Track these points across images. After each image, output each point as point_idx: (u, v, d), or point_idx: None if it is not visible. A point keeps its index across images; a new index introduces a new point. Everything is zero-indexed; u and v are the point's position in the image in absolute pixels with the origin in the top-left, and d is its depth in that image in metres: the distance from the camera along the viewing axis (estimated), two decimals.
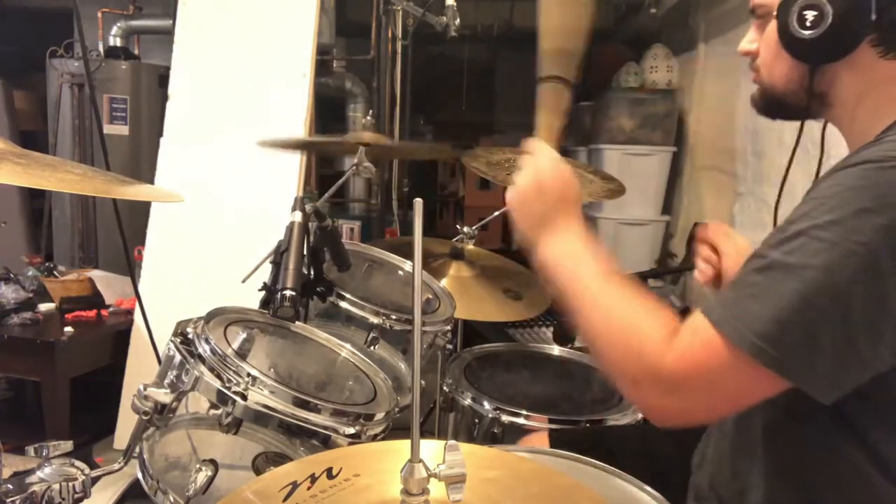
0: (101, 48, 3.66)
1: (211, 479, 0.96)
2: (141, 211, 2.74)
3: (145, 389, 0.97)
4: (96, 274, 2.77)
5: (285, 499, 0.60)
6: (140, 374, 2.55)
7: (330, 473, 0.63)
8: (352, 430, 1.02)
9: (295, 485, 0.62)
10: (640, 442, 1.17)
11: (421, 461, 0.57)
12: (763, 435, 0.87)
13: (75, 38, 3.35)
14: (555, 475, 0.70)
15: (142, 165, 3.46)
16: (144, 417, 0.97)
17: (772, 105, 0.97)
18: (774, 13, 0.89)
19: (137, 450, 1.02)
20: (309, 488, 0.62)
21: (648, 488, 0.97)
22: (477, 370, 1.67)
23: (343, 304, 1.35)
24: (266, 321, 1.22)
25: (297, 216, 1.24)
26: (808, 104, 0.90)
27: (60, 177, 0.90)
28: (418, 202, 0.60)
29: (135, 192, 1.08)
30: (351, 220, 4.09)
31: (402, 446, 0.60)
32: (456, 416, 1.57)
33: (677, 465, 1.07)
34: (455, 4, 2.49)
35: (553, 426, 1.41)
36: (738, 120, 3.30)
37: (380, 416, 1.08)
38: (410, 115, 4.32)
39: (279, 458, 1.13)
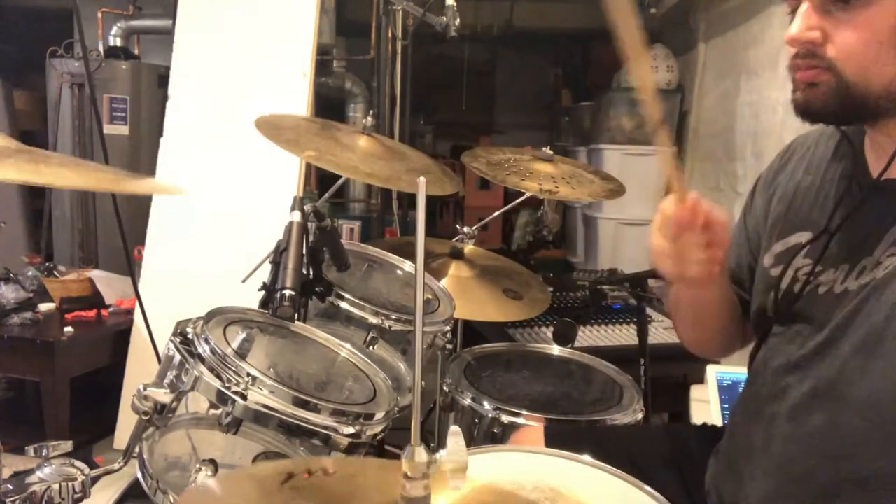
0: (101, 48, 3.66)
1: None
2: (141, 211, 2.74)
3: (145, 389, 0.97)
4: (96, 274, 2.77)
5: (283, 482, 0.61)
6: (140, 374, 2.55)
7: (326, 472, 0.63)
8: (351, 430, 1.02)
9: (292, 475, 0.62)
10: (629, 446, 1.15)
11: (422, 444, 0.57)
12: None
13: (75, 38, 3.36)
14: None
15: (142, 165, 3.46)
16: (144, 417, 0.97)
17: (846, 108, 0.83)
18: None
19: (137, 450, 1.02)
20: (307, 478, 0.62)
21: (648, 488, 0.97)
22: (477, 370, 1.67)
23: (342, 305, 1.35)
24: (266, 321, 1.22)
25: (296, 216, 1.25)
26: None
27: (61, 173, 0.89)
28: (422, 180, 0.60)
29: (140, 186, 1.07)
30: (351, 220, 4.09)
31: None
32: (456, 416, 1.57)
33: (664, 472, 1.06)
34: (455, 4, 2.49)
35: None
36: (738, 120, 3.30)
37: (379, 415, 1.08)
38: (410, 115, 4.32)
39: (279, 458, 1.13)
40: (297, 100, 2.64)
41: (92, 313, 2.63)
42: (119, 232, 2.25)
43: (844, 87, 0.81)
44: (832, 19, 0.80)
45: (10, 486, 0.83)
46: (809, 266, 0.93)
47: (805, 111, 0.86)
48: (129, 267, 2.41)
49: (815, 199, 0.97)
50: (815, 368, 0.90)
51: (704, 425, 1.29)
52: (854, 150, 0.94)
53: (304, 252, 1.25)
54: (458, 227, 2.02)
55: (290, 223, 1.24)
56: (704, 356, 1.36)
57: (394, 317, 1.37)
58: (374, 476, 0.69)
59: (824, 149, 1.00)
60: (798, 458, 0.90)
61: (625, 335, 2.43)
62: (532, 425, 1.41)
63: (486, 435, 1.47)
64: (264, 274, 1.30)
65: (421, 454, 0.56)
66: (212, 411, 1.05)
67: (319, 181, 3.73)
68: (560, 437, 1.16)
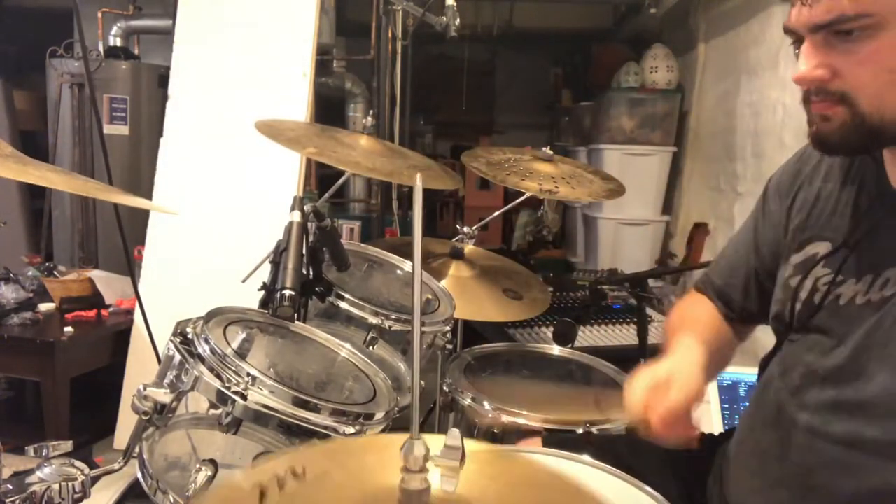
0: (101, 48, 3.66)
1: (211, 479, 0.96)
2: (141, 211, 2.74)
3: (145, 389, 0.97)
4: (96, 274, 2.77)
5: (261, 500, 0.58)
6: (140, 374, 2.55)
7: (295, 473, 0.61)
8: (351, 430, 1.02)
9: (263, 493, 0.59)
10: (627, 454, 1.15)
11: (421, 438, 0.57)
12: None
13: (75, 38, 3.35)
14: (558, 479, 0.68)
15: (142, 165, 3.46)
16: (144, 417, 0.97)
17: (861, 139, 0.81)
18: None
19: (137, 450, 1.02)
20: (281, 490, 0.60)
21: (648, 488, 0.97)
22: (477, 370, 1.67)
23: (342, 305, 1.35)
24: (266, 321, 1.22)
25: (296, 216, 1.24)
26: None
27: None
28: (419, 177, 0.60)
29: (129, 199, 1.08)
30: (351, 220, 4.09)
31: (357, 443, 0.59)
32: (456, 416, 1.57)
33: (663, 479, 1.06)
34: (455, 4, 2.49)
35: (551, 426, 1.41)
36: (738, 120, 3.31)
37: (379, 415, 1.08)
38: (410, 115, 4.33)
39: None
40: (297, 100, 2.64)
41: (92, 313, 2.63)
42: (119, 232, 2.25)
43: (859, 118, 0.79)
44: (837, 53, 0.79)
45: (10, 486, 0.83)
46: (830, 276, 0.91)
47: (822, 145, 0.86)
48: (129, 267, 2.41)
49: (834, 208, 0.96)
50: (836, 380, 0.89)
51: (701, 434, 1.29)
52: (874, 160, 0.92)
53: (304, 252, 1.25)
54: (458, 227, 2.02)
55: (290, 223, 1.23)
56: None
57: (394, 317, 1.36)
58: (346, 467, 0.66)
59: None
60: (818, 468, 0.89)
61: (625, 335, 2.43)
62: (532, 425, 1.42)
63: (486, 435, 1.47)
64: (264, 274, 1.30)
65: (420, 447, 0.56)
66: (212, 411, 1.05)
67: (319, 181, 3.73)
68: (558, 447, 1.16)
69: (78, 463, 0.89)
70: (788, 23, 0.83)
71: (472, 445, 0.60)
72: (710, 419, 1.84)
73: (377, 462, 0.62)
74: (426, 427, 1.85)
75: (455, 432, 0.58)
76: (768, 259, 1.08)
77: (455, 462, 0.57)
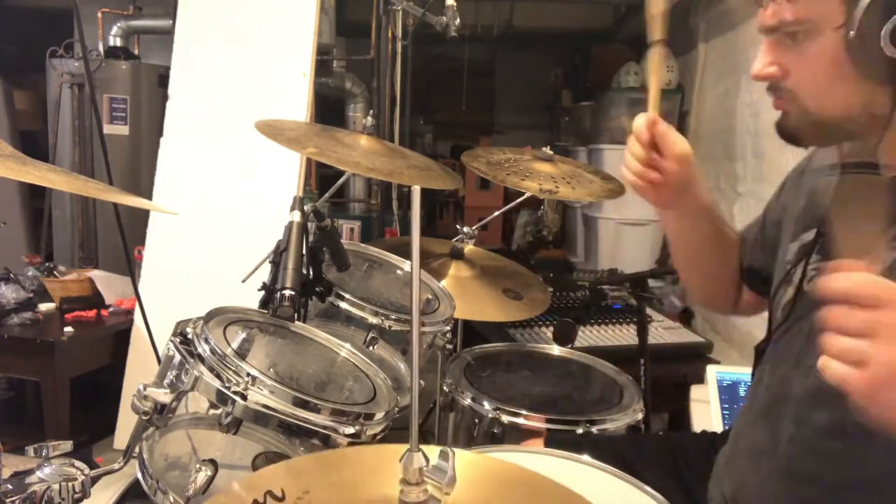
0: (101, 48, 3.67)
1: (211, 479, 0.95)
2: (141, 211, 2.74)
3: (145, 389, 0.97)
4: (96, 274, 2.77)
5: None
6: (140, 374, 2.55)
7: (274, 496, 0.59)
8: (351, 430, 1.02)
9: None
10: (628, 454, 1.15)
11: (420, 450, 0.57)
12: None
13: (75, 38, 3.36)
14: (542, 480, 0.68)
15: (142, 165, 3.46)
16: (144, 417, 0.97)
17: (818, 133, 0.87)
18: (847, 27, 0.76)
19: (137, 450, 1.02)
20: None
21: (648, 488, 0.97)
22: (477, 370, 1.67)
23: (342, 305, 1.35)
24: (266, 321, 1.22)
25: (296, 216, 1.24)
26: (871, 127, 0.82)
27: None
28: (416, 189, 0.60)
29: (130, 199, 1.07)
30: (351, 220, 4.09)
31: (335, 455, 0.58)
32: (456, 416, 1.57)
33: (665, 479, 1.06)
34: (455, 4, 2.48)
35: (551, 426, 1.41)
36: (738, 120, 3.31)
37: (379, 415, 1.08)
38: (410, 115, 4.33)
39: (279, 458, 1.13)
40: (297, 100, 2.64)
41: (92, 313, 2.63)
42: (119, 232, 2.25)
43: (806, 114, 0.85)
44: (789, 54, 0.85)
45: (10, 486, 0.83)
46: (820, 263, 0.93)
47: (784, 136, 0.91)
48: (129, 267, 2.41)
49: (833, 195, 0.97)
50: (816, 366, 0.90)
51: (704, 432, 1.29)
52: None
53: (304, 252, 1.25)
54: (458, 227, 2.02)
55: (290, 223, 1.23)
56: (705, 307, 1.39)
57: (394, 317, 1.36)
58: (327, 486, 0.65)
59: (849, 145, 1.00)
60: (804, 459, 0.89)
61: (625, 335, 2.43)
62: (532, 425, 1.42)
63: (486, 435, 1.47)
64: (264, 274, 1.30)
65: (419, 460, 0.56)
66: (212, 411, 1.05)
67: (319, 181, 3.73)
68: (560, 447, 1.16)
69: (78, 463, 0.89)
70: (757, 24, 0.89)
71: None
72: (710, 419, 1.84)
73: (363, 476, 0.62)
74: (426, 427, 1.85)
75: (446, 450, 0.58)
76: (771, 231, 1.12)
77: (439, 480, 0.57)
